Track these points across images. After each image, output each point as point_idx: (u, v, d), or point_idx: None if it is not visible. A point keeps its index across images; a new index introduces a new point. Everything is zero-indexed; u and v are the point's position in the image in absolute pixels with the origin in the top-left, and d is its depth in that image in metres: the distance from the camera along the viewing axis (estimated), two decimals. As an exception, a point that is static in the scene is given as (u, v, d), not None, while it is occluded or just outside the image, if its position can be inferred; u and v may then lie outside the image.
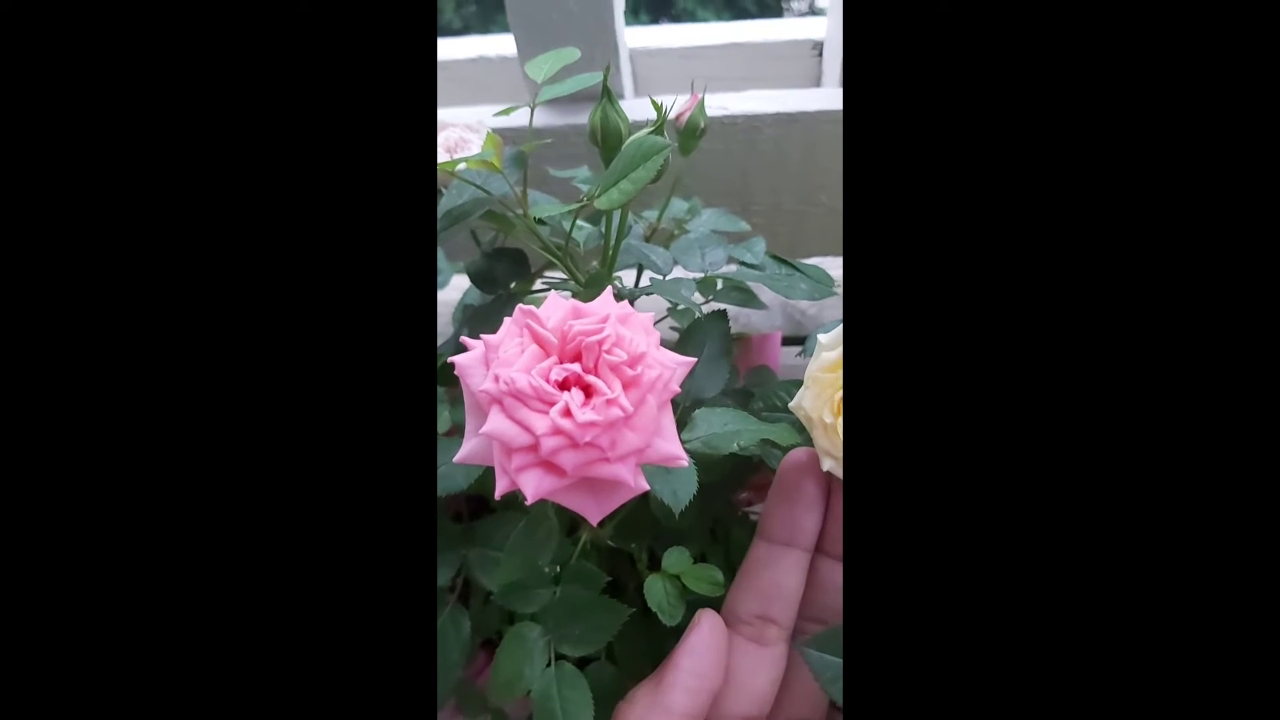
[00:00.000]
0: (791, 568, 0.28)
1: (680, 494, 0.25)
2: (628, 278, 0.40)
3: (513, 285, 0.39)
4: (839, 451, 0.25)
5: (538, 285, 0.40)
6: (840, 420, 0.25)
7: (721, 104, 0.50)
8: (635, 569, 0.35)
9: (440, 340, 0.41)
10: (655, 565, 0.32)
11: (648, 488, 0.22)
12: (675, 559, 0.31)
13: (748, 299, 0.38)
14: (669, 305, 0.40)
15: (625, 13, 0.52)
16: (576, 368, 0.21)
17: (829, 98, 0.50)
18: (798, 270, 0.38)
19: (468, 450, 0.23)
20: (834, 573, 0.29)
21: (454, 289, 0.48)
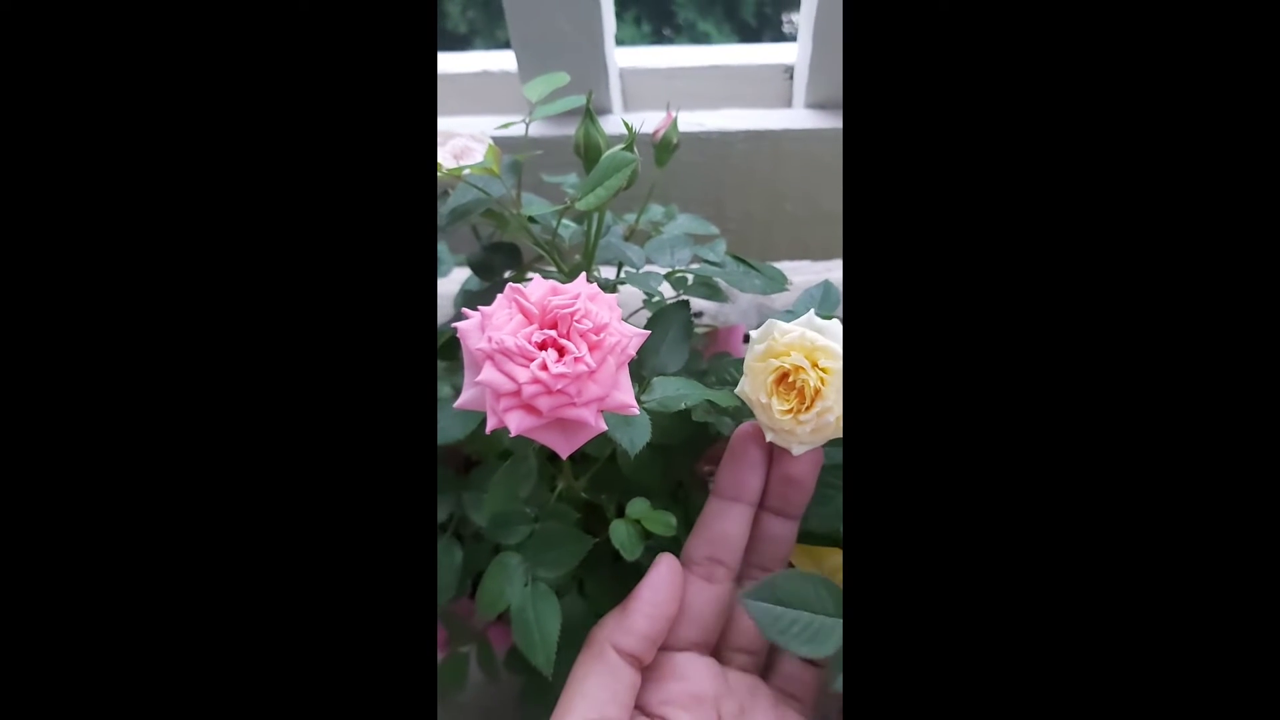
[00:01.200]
0: (737, 519, 0.34)
1: (636, 440, 0.31)
2: (609, 272, 0.46)
3: (506, 274, 0.44)
4: (777, 426, 0.31)
5: (529, 275, 0.45)
6: (774, 400, 0.31)
7: (698, 121, 0.56)
8: (605, 519, 0.40)
9: (444, 321, 0.47)
10: (622, 517, 0.38)
11: (605, 428, 0.28)
12: (637, 507, 0.37)
13: (714, 293, 0.44)
14: (644, 298, 0.46)
15: (628, 22, 0.58)
16: (553, 333, 0.27)
17: (794, 117, 0.56)
18: (754, 268, 0.44)
19: (466, 397, 0.28)
20: (773, 525, 0.35)
21: (453, 280, 0.53)
